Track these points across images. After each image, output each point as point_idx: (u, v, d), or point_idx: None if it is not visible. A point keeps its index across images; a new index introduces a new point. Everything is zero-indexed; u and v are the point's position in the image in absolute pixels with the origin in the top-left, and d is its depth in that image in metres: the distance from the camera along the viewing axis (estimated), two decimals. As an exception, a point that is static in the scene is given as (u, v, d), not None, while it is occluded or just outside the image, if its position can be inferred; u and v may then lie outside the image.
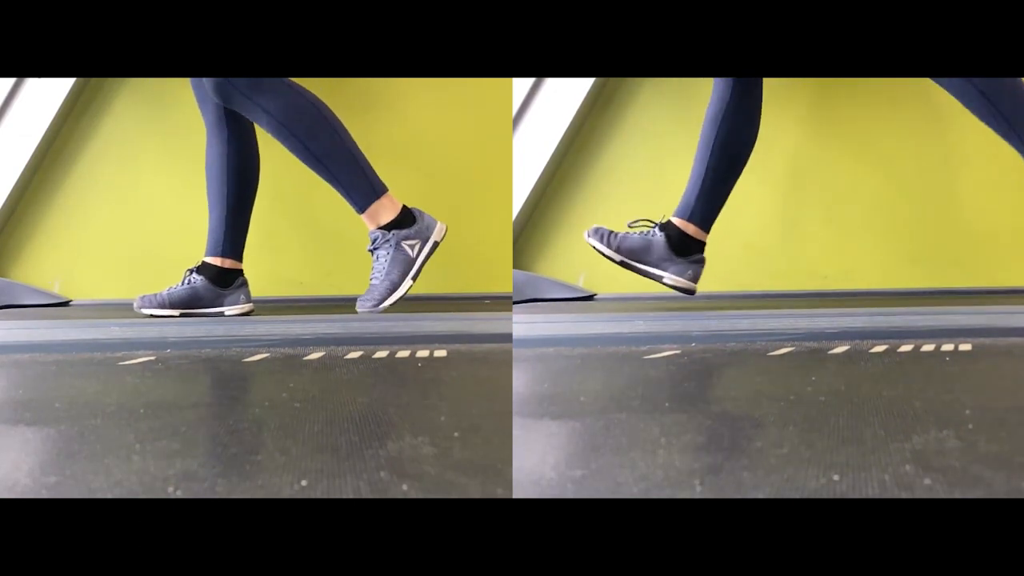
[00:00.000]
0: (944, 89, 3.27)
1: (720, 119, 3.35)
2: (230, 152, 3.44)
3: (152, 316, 3.40)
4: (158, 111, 3.82)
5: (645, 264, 3.40)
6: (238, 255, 3.48)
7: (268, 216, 3.82)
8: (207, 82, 3.30)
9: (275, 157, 3.71)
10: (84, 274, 3.89)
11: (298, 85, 3.34)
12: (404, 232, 3.36)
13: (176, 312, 3.43)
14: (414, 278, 3.36)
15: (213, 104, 3.42)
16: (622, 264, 3.41)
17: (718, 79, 3.36)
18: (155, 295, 3.44)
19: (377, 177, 3.35)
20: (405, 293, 3.35)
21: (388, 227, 3.36)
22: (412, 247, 3.35)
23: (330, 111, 3.34)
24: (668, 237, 3.40)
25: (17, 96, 3.77)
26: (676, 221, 3.41)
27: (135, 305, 3.44)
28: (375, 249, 3.36)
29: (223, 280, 3.46)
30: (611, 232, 3.42)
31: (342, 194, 3.34)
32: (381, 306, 3.34)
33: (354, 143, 3.35)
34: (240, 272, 3.48)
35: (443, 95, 3.84)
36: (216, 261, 3.46)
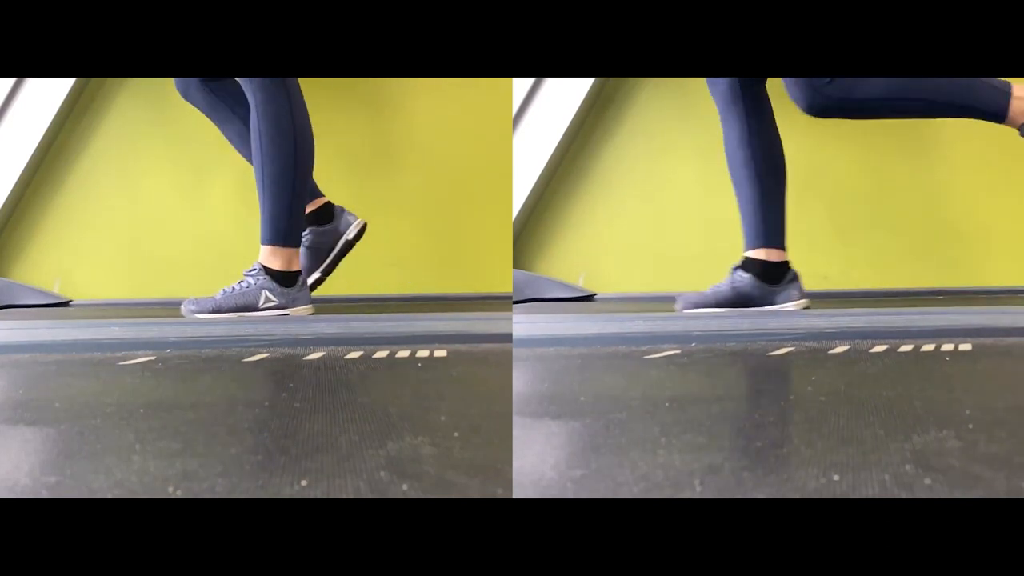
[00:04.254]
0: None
1: (747, 140, 3.30)
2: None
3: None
4: (158, 111, 3.82)
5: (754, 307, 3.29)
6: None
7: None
8: None
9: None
10: (84, 274, 3.89)
11: (299, 104, 3.32)
12: (274, 286, 3.31)
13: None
14: (233, 312, 3.31)
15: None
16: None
17: (725, 110, 3.33)
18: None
19: (298, 232, 3.31)
20: (210, 317, 3.30)
21: (268, 272, 3.31)
22: (267, 301, 3.31)
23: (307, 146, 3.30)
24: (755, 275, 3.31)
25: (17, 96, 3.77)
26: (752, 254, 3.31)
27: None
28: (247, 273, 3.31)
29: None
30: (700, 294, 3.32)
31: (261, 216, 3.30)
32: (197, 315, 3.29)
33: (303, 188, 3.30)
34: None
35: (443, 95, 3.84)
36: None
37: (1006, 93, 3.17)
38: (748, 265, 3.30)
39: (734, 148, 3.33)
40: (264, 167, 3.29)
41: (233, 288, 3.34)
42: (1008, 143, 3.48)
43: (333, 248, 3.45)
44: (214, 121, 3.45)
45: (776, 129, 3.33)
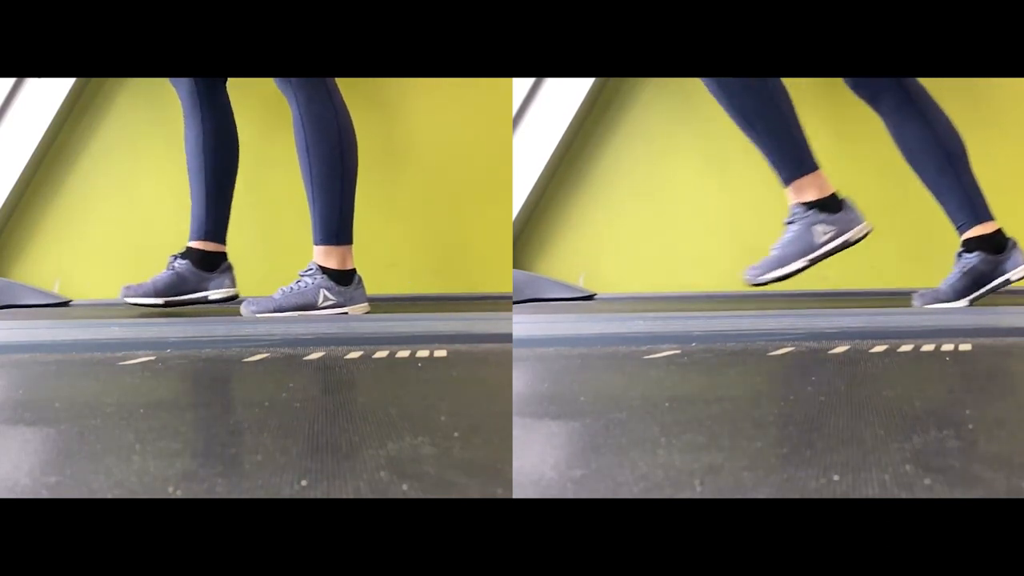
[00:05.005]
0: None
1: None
2: (206, 136, 3.43)
3: (138, 305, 3.40)
4: (158, 111, 3.82)
5: (805, 255, 3.31)
6: (221, 238, 3.46)
7: (268, 216, 3.82)
8: None
9: (274, 157, 3.72)
10: (84, 274, 3.88)
11: (340, 101, 3.35)
12: (331, 285, 3.35)
13: (161, 300, 3.42)
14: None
15: (187, 87, 3.41)
16: (807, 265, 3.32)
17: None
18: (140, 284, 3.44)
19: (350, 228, 3.36)
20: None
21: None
22: (325, 300, 3.34)
23: (352, 143, 3.35)
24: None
25: (17, 96, 3.77)
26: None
27: (121, 294, 3.44)
28: (303, 274, 3.36)
29: (208, 264, 3.45)
30: (758, 266, 3.36)
31: (311, 216, 3.35)
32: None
33: (352, 185, 3.34)
34: (224, 256, 3.47)
35: (443, 95, 3.83)
36: (199, 245, 3.45)
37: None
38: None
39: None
40: (312, 168, 3.32)
41: (291, 288, 3.36)
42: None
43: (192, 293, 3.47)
44: (184, 117, 3.47)
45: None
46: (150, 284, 3.44)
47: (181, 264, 3.45)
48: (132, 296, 3.43)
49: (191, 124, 3.44)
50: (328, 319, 3.25)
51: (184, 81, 3.41)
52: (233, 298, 3.46)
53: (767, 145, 3.26)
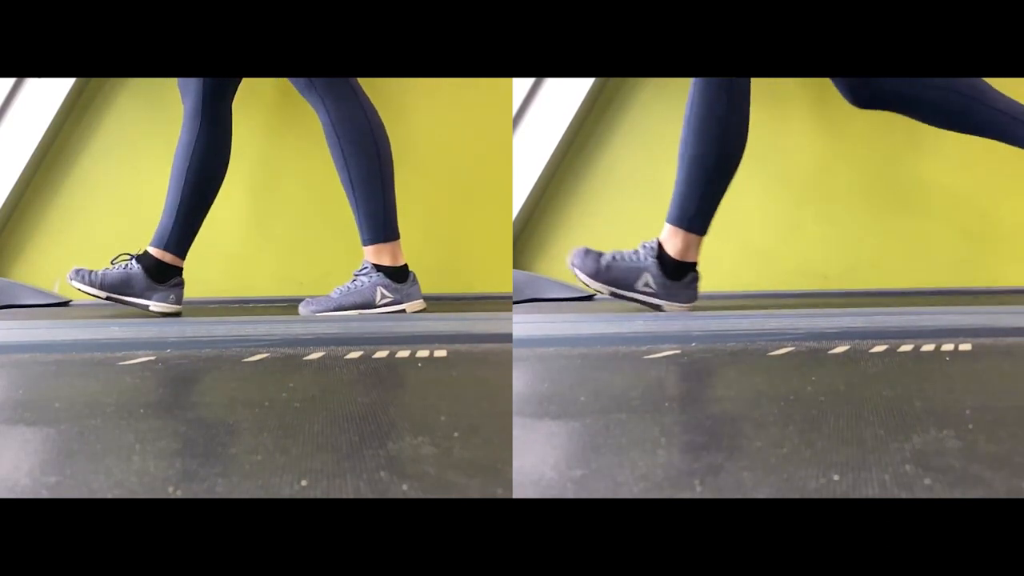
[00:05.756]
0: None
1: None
2: (197, 147, 3.40)
3: (79, 290, 3.41)
4: (158, 111, 3.82)
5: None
6: (182, 253, 3.44)
7: (268, 216, 3.82)
8: None
9: (274, 157, 3.72)
10: (84, 274, 3.88)
11: (367, 100, 3.36)
12: (388, 283, 3.35)
13: (103, 294, 3.41)
14: (359, 312, 3.34)
15: (193, 93, 3.41)
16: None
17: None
18: (91, 271, 3.42)
19: (395, 223, 3.36)
20: (338, 314, 3.33)
21: (380, 269, 3.35)
22: (383, 298, 3.34)
23: (385, 138, 3.36)
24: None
25: (17, 96, 3.77)
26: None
27: (67, 275, 3.43)
28: (358, 274, 3.36)
29: (160, 274, 3.43)
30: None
31: (356, 218, 3.35)
32: (318, 314, 3.33)
33: (391, 180, 3.35)
34: (179, 271, 3.44)
35: (443, 95, 3.84)
36: (157, 253, 3.43)
37: None
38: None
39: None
40: (350, 171, 3.33)
41: (347, 287, 3.37)
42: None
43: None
44: (183, 122, 3.46)
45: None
46: (99, 275, 3.42)
47: (134, 266, 3.42)
48: (78, 281, 3.40)
49: (186, 131, 3.42)
50: (329, 319, 3.25)
51: (192, 87, 3.39)
52: (176, 315, 3.41)
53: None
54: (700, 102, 3.28)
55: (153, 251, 3.42)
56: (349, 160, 3.32)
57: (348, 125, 3.32)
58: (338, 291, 3.37)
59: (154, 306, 3.41)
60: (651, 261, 3.25)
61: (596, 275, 3.26)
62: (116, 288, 3.41)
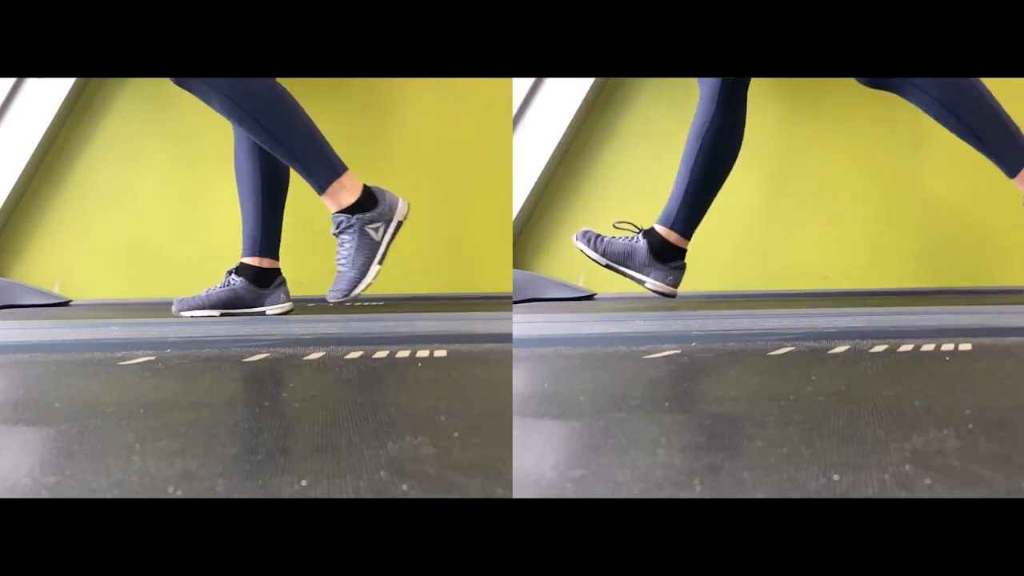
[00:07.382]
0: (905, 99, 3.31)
1: (704, 133, 3.40)
2: (260, 149, 3.39)
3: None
4: (158, 111, 3.83)
5: (628, 268, 3.49)
6: (274, 254, 3.46)
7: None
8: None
9: (275, 157, 3.71)
10: (84, 274, 3.89)
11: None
12: (367, 215, 3.30)
13: (217, 312, 3.41)
14: (380, 262, 3.33)
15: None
16: (607, 267, 3.51)
17: (703, 95, 3.40)
18: (193, 297, 3.41)
19: (336, 156, 3.28)
20: (373, 279, 3.32)
21: (351, 210, 3.29)
22: (376, 230, 3.32)
23: (284, 88, 3.29)
24: (650, 244, 3.48)
25: (17, 96, 3.77)
26: (659, 229, 3.49)
27: (173, 308, 3.41)
28: (339, 233, 3.32)
29: (262, 280, 3.44)
30: (598, 236, 3.51)
31: (302, 174, 3.28)
32: (351, 295, 3.32)
33: (310, 120, 3.28)
34: (278, 271, 3.46)
35: (443, 95, 3.84)
36: (254, 261, 3.44)
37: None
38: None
39: None
40: (264, 125, 3.26)
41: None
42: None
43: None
44: (235, 131, 3.45)
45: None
46: (204, 297, 3.41)
47: (236, 280, 3.43)
48: (186, 309, 3.40)
49: (243, 140, 3.41)
50: (329, 319, 3.25)
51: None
52: (289, 312, 3.44)
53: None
54: (698, 113, 3.40)
55: (249, 261, 3.45)
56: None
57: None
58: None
59: (270, 310, 3.43)
60: (642, 242, 3.47)
61: (595, 247, 3.50)
62: (227, 305, 3.42)
